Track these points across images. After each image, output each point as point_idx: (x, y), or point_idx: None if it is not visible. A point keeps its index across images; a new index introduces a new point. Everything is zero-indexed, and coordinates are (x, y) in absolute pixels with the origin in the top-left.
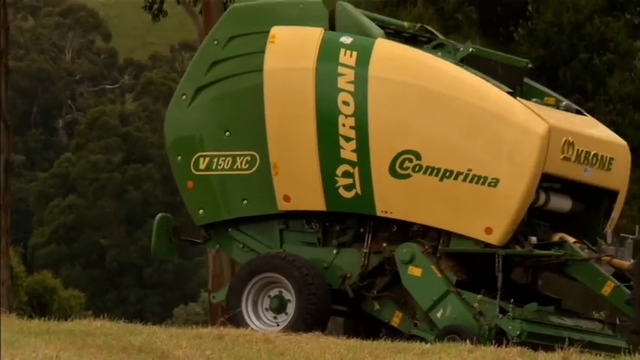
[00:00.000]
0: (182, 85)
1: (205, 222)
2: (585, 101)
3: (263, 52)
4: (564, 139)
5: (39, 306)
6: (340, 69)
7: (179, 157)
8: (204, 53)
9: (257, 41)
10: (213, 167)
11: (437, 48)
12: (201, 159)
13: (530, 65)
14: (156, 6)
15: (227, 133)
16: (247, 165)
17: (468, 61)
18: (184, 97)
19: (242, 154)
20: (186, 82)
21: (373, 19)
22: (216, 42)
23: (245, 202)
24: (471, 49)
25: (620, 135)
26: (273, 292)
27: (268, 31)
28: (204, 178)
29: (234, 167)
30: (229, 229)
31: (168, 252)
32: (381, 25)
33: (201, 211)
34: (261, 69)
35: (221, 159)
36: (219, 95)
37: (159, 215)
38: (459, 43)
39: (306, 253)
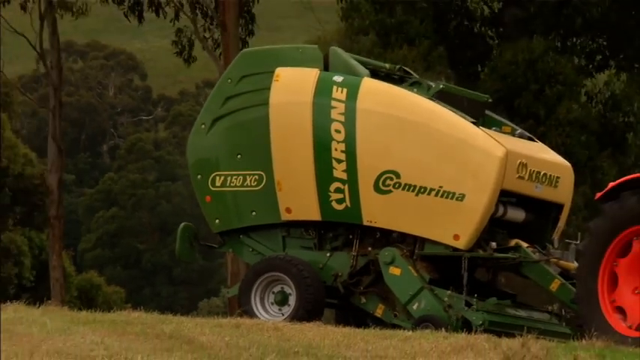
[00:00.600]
0: (201, 116)
1: (220, 230)
2: (538, 126)
3: (268, 88)
4: (519, 161)
5: (87, 300)
6: (333, 103)
7: (199, 176)
8: (220, 90)
9: (263, 80)
10: (228, 184)
11: (413, 85)
12: (217, 177)
13: (490, 100)
14: (186, 52)
15: (239, 156)
16: (255, 182)
17: (439, 96)
18: (203, 126)
19: (251, 173)
20: (204, 114)
21: (360, 61)
22: (229, 80)
23: (254, 213)
24: (441, 86)
25: (568, 154)
26: (277, 289)
27: (273, 72)
28: (220, 194)
29: (245, 184)
30: (241, 236)
31: (189, 255)
32: (367, 66)
33: (217, 221)
34: (267, 103)
35: (234, 177)
36: (232, 125)
37: (182, 224)
38: (433, 79)
39: (305, 256)
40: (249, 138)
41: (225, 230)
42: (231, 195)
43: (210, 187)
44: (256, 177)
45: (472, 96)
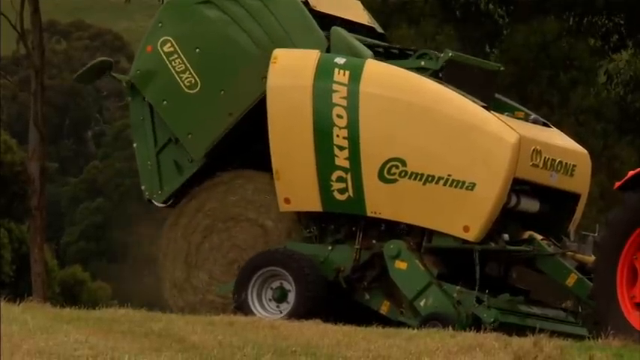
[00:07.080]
0: None
1: (131, 80)
2: (552, 114)
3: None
4: (533, 148)
5: (70, 296)
6: (335, 86)
7: (160, 24)
8: None
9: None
10: (170, 59)
11: (421, 57)
12: (169, 43)
13: (502, 68)
14: None
15: (197, 50)
16: (189, 84)
17: (449, 66)
18: None
19: (192, 73)
20: None
21: (363, 42)
22: None
23: (165, 102)
24: (450, 54)
25: (582, 144)
26: (275, 284)
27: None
28: (159, 58)
29: (180, 77)
30: (145, 98)
31: (88, 79)
32: (370, 45)
33: (138, 72)
34: (247, 31)
35: (178, 60)
36: (214, 19)
37: (101, 57)
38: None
39: (303, 249)
40: (216, 49)
41: (134, 85)
42: (165, 71)
43: (159, 46)
44: (192, 80)
45: (483, 65)
